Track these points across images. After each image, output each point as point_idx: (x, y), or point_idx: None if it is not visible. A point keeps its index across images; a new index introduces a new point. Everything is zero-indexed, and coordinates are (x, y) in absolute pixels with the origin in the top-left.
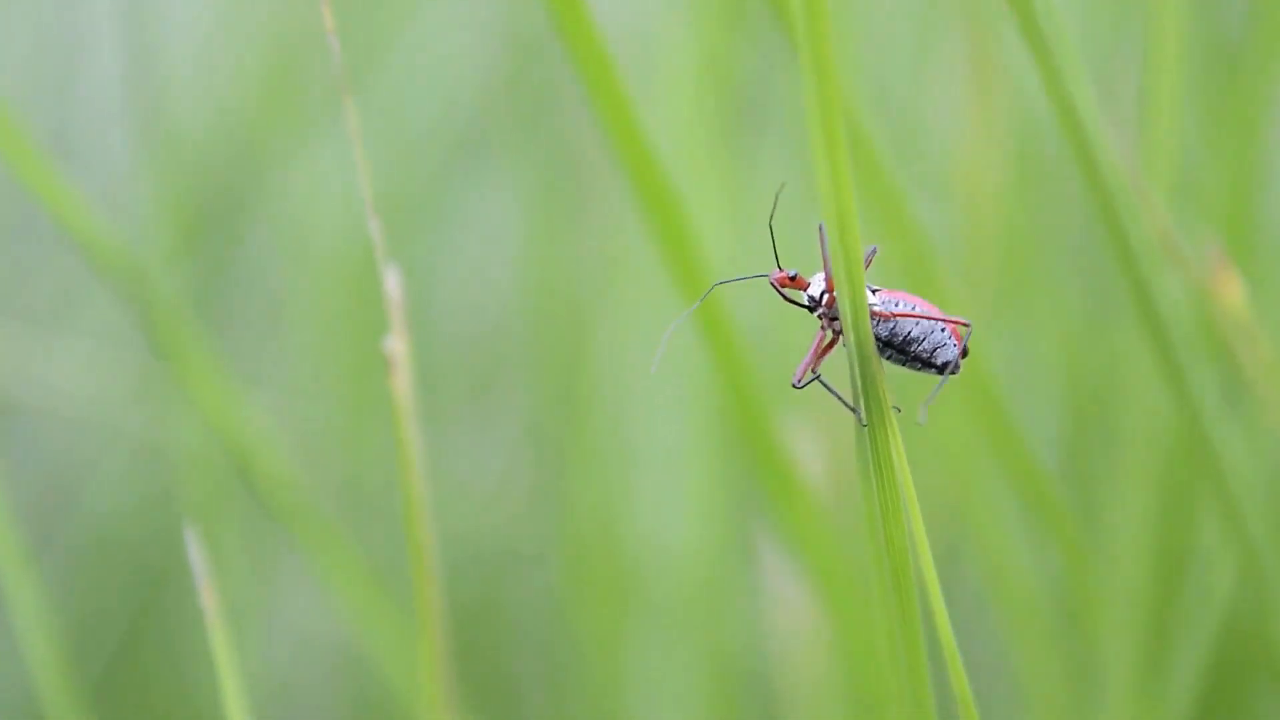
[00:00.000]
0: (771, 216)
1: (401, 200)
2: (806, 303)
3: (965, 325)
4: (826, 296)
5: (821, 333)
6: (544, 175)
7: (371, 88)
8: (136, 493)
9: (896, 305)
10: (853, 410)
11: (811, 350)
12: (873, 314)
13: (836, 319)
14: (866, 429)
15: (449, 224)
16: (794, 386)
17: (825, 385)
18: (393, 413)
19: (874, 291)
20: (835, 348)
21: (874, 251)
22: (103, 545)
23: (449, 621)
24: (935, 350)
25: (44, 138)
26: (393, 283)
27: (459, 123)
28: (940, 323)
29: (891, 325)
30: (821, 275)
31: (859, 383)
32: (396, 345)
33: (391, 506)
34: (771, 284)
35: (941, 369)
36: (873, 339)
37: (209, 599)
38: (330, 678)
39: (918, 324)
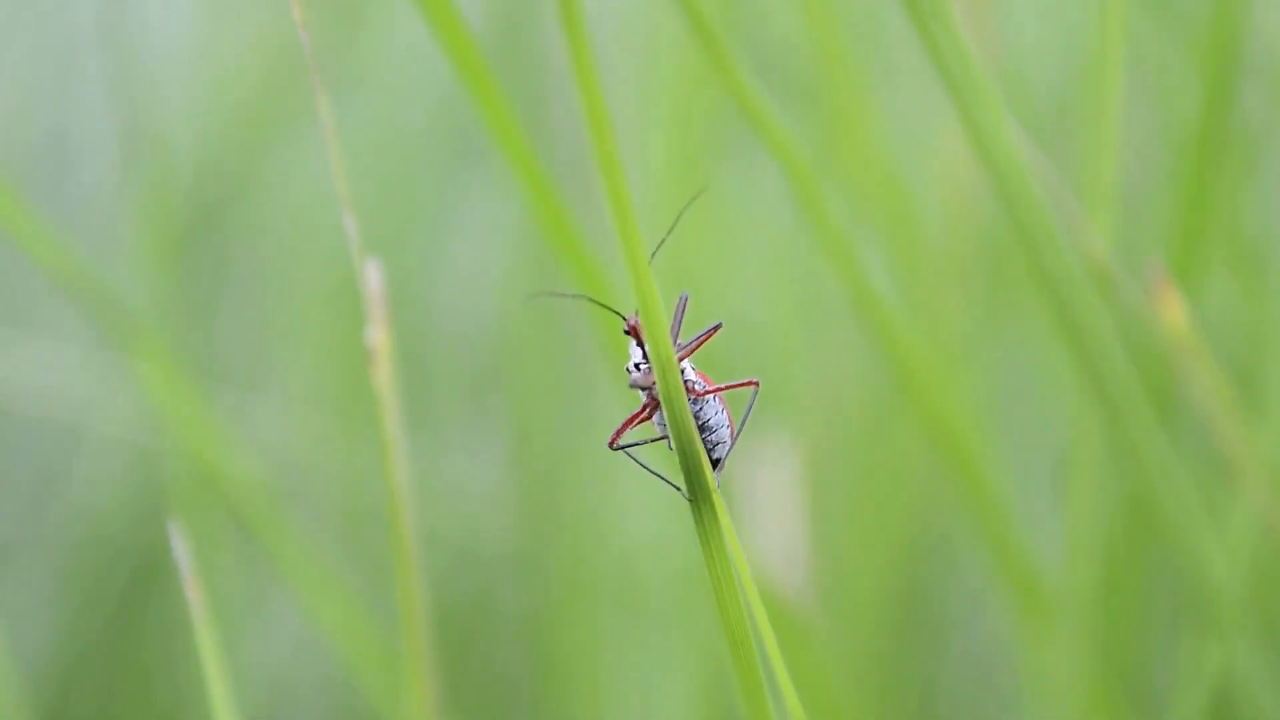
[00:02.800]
0: (669, 232)
1: (394, 202)
2: (632, 365)
3: (754, 384)
4: (645, 369)
5: (644, 402)
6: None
7: (364, 88)
8: (130, 496)
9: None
10: (673, 486)
11: (629, 418)
12: (689, 390)
13: (653, 390)
14: (695, 506)
15: (443, 226)
16: (610, 448)
17: (637, 460)
18: (376, 406)
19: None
20: (646, 417)
21: (685, 299)
22: (92, 546)
23: (438, 621)
24: (716, 445)
25: (41, 139)
26: (373, 276)
27: (452, 123)
28: (727, 421)
29: (698, 406)
30: (635, 346)
31: (684, 458)
32: (377, 336)
33: (384, 511)
34: (625, 329)
35: (714, 463)
36: (691, 417)
37: (194, 594)
38: (326, 676)
39: (717, 412)
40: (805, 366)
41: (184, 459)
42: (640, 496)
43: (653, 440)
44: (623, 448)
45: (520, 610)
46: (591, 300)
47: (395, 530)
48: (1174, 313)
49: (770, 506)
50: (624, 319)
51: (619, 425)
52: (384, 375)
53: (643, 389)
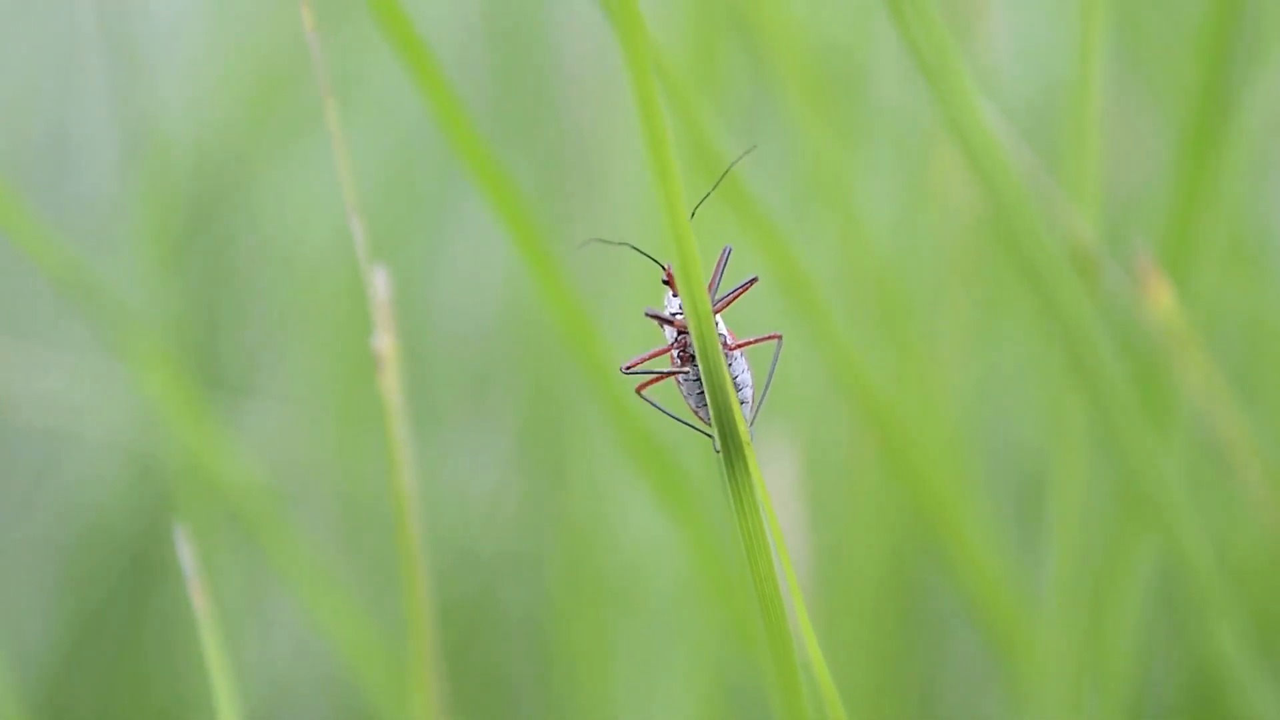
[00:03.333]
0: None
1: (395, 205)
2: (668, 314)
3: (778, 338)
4: (681, 320)
5: (672, 350)
6: (539, 178)
7: (364, 91)
8: (130, 497)
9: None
10: (703, 432)
11: (651, 352)
12: (724, 347)
13: (689, 349)
14: (726, 458)
15: (444, 228)
16: (622, 371)
17: (652, 402)
18: (382, 412)
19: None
20: (665, 351)
21: (729, 251)
22: (89, 548)
23: (441, 623)
24: (744, 404)
25: (41, 138)
26: (379, 282)
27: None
28: (751, 380)
29: (728, 362)
30: (672, 296)
31: (716, 408)
32: (384, 343)
33: (388, 512)
34: (663, 278)
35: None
36: (726, 369)
37: (198, 596)
38: (327, 678)
39: (744, 370)
40: (803, 366)
41: (183, 461)
42: (642, 496)
43: (668, 373)
44: (636, 376)
45: (523, 611)
46: (635, 249)
47: (401, 536)
48: (1163, 300)
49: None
50: (663, 267)
51: (638, 356)
52: (391, 382)
53: (665, 323)
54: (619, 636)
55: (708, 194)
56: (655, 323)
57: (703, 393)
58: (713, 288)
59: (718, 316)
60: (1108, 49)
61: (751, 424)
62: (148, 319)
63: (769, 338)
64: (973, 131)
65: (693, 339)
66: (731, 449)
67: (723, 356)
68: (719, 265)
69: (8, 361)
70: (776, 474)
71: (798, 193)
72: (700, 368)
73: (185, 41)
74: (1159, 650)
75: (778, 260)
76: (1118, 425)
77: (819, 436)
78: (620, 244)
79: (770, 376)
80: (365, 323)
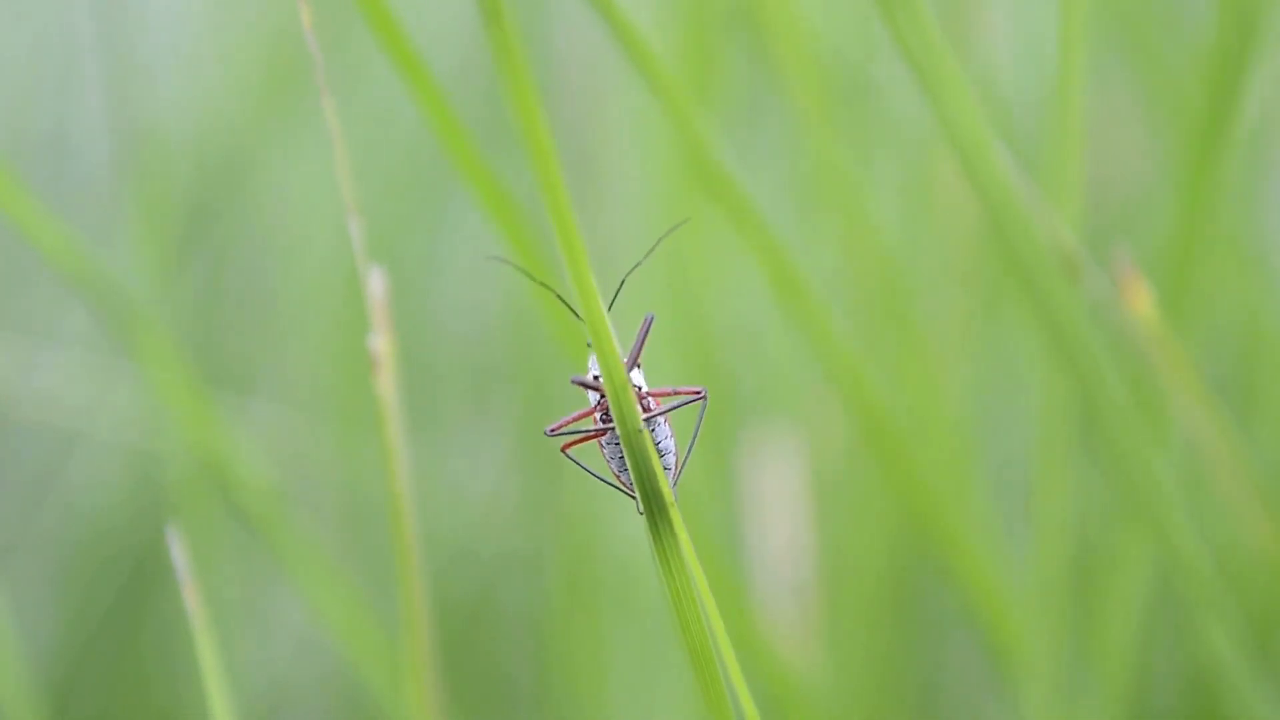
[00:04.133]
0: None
1: (394, 204)
2: (592, 379)
3: (701, 395)
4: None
5: (596, 414)
6: (529, 180)
7: (361, 87)
8: (126, 497)
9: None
10: (627, 493)
11: (575, 415)
12: (644, 407)
13: (608, 412)
14: (649, 520)
15: (442, 227)
16: (546, 434)
17: (575, 461)
18: (378, 411)
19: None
20: (592, 428)
21: (650, 320)
22: (90, 547)
23: (439, 623)
24: (666, 469)
25: (40, 138)
26: (376, 282)
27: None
28: (674, 447)
29: (651, 428)
30: (593, 360)
31: (637, 473)
32: (380, 343)
33: (386, 512)
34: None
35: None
36: (647, 430)
37: (191, 597)
38: (324, 678)
39: (667, 436)
40: (803, 369)
41: (183, 459)
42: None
43: (592, 434)
44: (559, 435)
45: (521, 610)
46: (556, 295)
47: (397, 535)
48: (1142, 304)
49: (776, 507)
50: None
51: (563, 419)
52: (387, 382)
53: (589, 388)
54: (616, 637)
55: (637, 264)
56: (580, 388)
57: (624, 456)
58: (635, 355)
59: (641, 379)
60: (1098, 50)
61: (674, 485)
62: (149, 315)
63: (693, 396)
64: (965, 133)
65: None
66: (656, 512)
67: (642, 424)
68: (641, 333)
69: (9, 359)
70: (781, 475)
71: (798, 196)
72: (619, 435)
73: (183, 41)
74: (1156, 651)
75: (775, 262)
76: (1107, 426)
77: (818, 437)
78: (542, 284)
79: (694, 439)
80: (365, 321)
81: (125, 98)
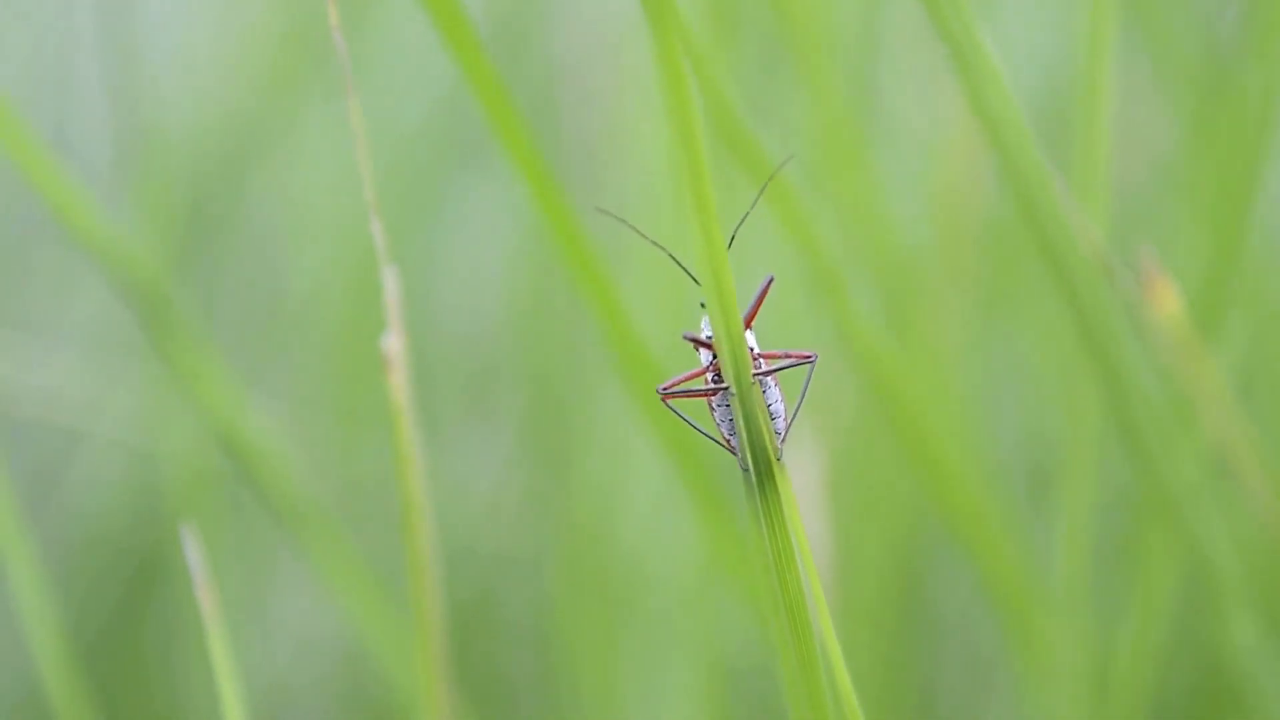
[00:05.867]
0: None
1: (394, 199)
2: (705, 339)
3: (812, 358)
4: (714, 356)
5: (705, 373)
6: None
7: (363, 85)
8: (130, 493)
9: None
10: (729, 449)
11: (687, 374)
12: (755, 364)
13: (720, 372)
14: (753, 478)
15: (443, 223)
16: (658, 392)
17: (683, 417)
18: (390, 412)
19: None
20: (704, 387)
21: (770, 281)
22: (96, 545)
23: (446, 622)
24: (774, 428)
25: (40, 137)
26: (390, 282)
27: (452, 117)
28: (783, 408)
29: (762, 389)
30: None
31: (745, 432)
32: (394, 344)
33: (388, 508)
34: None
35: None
36: (758, 388)
37: (206, 598)
38: (327, 677)
39: (777, 400)
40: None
41: (186, 456)
42: (644, 495)
43: (702, 393)
44: (671, 395)
45: (524, 610)
46: (669, 255)
47: (411, 537)
48: (1169, 305)
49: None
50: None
51: (675, 378)
52: (400, 383)
53: (701, 346)
54: (621, 635)
55: (744, 217)
56: (691, 345)
57: (734, 419)
58: (750, 314)
59: (752, 340)
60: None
61: (781, 445)
62: (179, 301)
63: (803, 359)
64: (1005, 132)
65: (725, 365)
66: (763, 471)
67: (755, 384)
68: (759, 293)
69: (10, 357)
70: (800, 473)
71: (810, 180)
72: (732, 394)
73: (185, 39)
74: (1173, 645)
75: (800, 249)
76: (1133, 420)
77: (833, 431)
78: (655, 243)
79: (801, 399)
80: (369, 317)
81: (127, 97)
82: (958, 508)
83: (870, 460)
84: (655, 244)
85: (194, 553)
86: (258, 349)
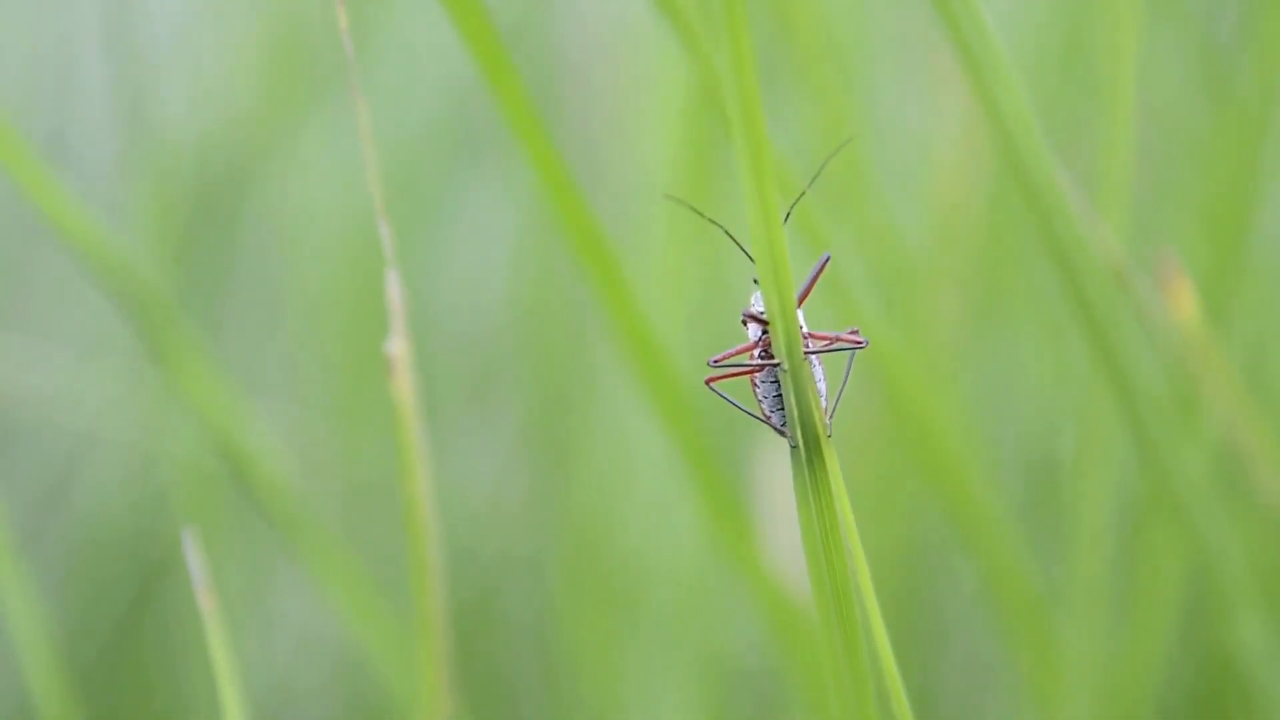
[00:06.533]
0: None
1: (396, 200)
2: (756, 314)
3: (861, 343)
4: (765, 331)
5: (754, 348)
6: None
7: (365, 86)
8: (131, 496)
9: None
10: (776, 428)
11: (736, 349)
12: (806, 343)
13: (769, 349)
14: (801, 452)
15: (444, 222)
16: (709, 364)
17: (721, 394)
18: (394, 415)
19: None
20: (753, 362)
21: (826, 260)
22: (97, 548)
23: (448, 622)
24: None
25: (42, 140)
26: (393, 286)
27: (452, 118)
28: (825, 387)
29: (811, 365)
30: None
31: (795, 408)
32: (398, 347)
33: (391, 509)
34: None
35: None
36: (808, 365)
37: (207, 600)
38: (328, 679)
39: (822, 379)
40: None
41: (189, 459)
42: (646, 495)
43: (749, 369)
44: (718, 374)
45: (526, 610)
46: (726, 233)
47: (414, 539)
48: (1186, 306)
49: (784, 509)
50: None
51: (725, 351)
52: (405, 386)
53: (753, 320)
54: (623, 636)
55: (801, 194)
56: (742, 322)
57: (779, 395)
58: (804, 292)
59: (802, 318)
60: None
61: (829, 423)
62: (170, 304)
63: (853, 342)
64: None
65: (776, 341)
66: (811, 448)
67: (805, 360)
68: (814, 272)
69: (14, 359)
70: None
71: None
72: (785, 369)
73: (187, 40)
74: (1179, 644)
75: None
76: (1145, 423)
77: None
78: (714, 222)
79: (844, 382)
80: (371, 319)
81: (129, 97)
82: (960, 507)
83: (874, 460)
84: (713, 222)
85: (195, 555)
86: (263, 350)
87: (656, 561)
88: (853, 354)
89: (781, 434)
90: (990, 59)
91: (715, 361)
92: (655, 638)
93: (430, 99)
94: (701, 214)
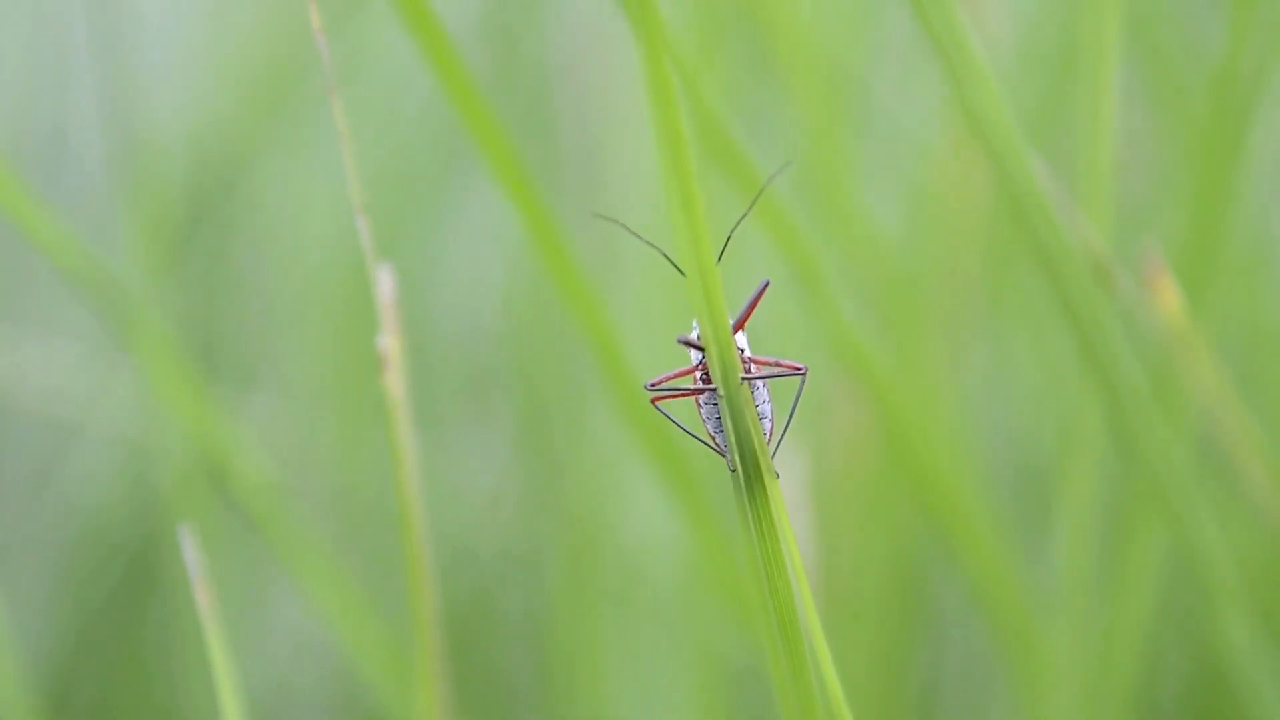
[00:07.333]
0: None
1: (392, 203)
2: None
3: (802, 371)
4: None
5: (695, 372)
6: (537, 173)
7: (360, 89)
8: (126, 494)
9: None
10: (716, 450)
11: (675, 372)
12: (744, 367)
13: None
14: (739, 477)
15: (441, 226)
16: (646, 388)
17: (666, 414)
18: (386, 413)
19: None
20: (692, 387)
21: (766, 285)
22: (88, 543)
23: (442, 623)
24: (763, 420)
25: (42, 141)
26: (384, 281)
27: (449, 121)
28: (771, 412)
29: (752, 390)
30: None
31: (733, 432)
32: (389, 343)
33: (386, 510)
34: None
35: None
36: (748, 389)
37: (204, 598)
38: (326, 678)
39: (765, 401)
40: (810, 355)
41: (181, 454)
42: (640, 496)
43: (691, 392)
44: (659, 394)
45: (521, 609)
46: (663, 255)
47: (407, 538)
48: (1170, 302)
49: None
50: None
51: (663, 375)
52: (396, 382)
53: (692, 347)
54: (618, 635)
55: (737, 223)
56: (684, 346)
57: (720, 417)
58: (741, 317)
59: (743, 342)
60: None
61: (773, 453)
62: (147, 310)
63: (793, 370)
64: (996, 134)
65: (713, 365)
66: (750, 474)
67: (743, 385)
68: (752, 297)
69: (6, 353)
70: (784, 478)
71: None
72: (721, 394)
73: (180, 40)
74: (1167, 645)
75: (788, 251)
76: (1129, 421)
77: (821, 439)
78: (648, 243)
79: (792, 412)
80: (364, 318)
81: (122, 98)
82: (949, 511)
83: (864, 464)
84: (649, 243)
85: (191, 551)
86: (252, 346)
87: (650, 561)
88: (801, 385)
89: (724, 456)
90: (965, 56)
91: (653, 385)
92: (650, 636)
93: (430, 99)
94: (637, 235)
